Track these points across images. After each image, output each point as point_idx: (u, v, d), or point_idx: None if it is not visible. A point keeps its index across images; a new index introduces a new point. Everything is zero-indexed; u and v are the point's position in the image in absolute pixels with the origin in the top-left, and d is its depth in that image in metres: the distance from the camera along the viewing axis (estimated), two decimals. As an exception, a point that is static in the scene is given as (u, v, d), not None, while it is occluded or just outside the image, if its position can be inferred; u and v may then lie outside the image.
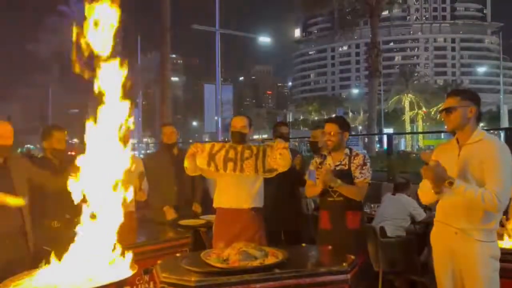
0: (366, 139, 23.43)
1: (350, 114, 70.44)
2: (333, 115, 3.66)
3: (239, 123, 3.37)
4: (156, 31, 14.21)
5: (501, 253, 2.47)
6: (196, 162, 3.12)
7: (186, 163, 3.16)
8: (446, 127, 2.53)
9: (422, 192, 2.63)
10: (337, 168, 3.22)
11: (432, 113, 50.85)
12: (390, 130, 42.48)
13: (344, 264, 2.40)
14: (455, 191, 2.32)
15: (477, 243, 2.38)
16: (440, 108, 2.50)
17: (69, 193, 2.15)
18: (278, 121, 4.39)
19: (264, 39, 26.24)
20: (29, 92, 50.15)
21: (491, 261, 2.39)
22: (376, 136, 22.54)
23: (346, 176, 3.16)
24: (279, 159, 3.07)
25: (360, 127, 60.95)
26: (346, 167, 3.21)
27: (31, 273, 2.18)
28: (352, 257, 2.53)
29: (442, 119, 2.57)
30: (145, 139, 44.78)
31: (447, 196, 2.47)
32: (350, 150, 3.30)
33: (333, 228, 3.18)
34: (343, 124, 3.28)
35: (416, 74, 64.74)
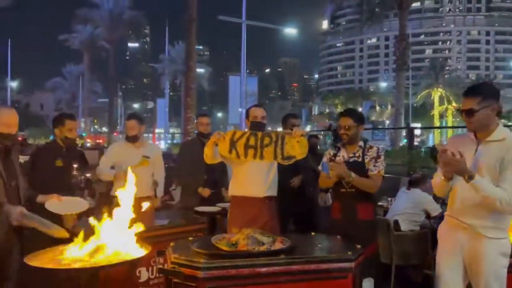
0: (393, 133, 23.12)
1: (378, 107, 69.31)
2: (347, 108, 3.68)
3: (260, 113, 3.46)
4: (183, 22, 14.32)
5: None
6: (217, 149, 3.20)
7: (207, 151, 3.23)
8: (467, 126, 2.42)
9: (434, 183, 2.59)
10: (351, 160, 3.26)
11: (463, 108, 49.19)
12: (418, 125, 41.56)
13: (349, 252, 2.46)
14: (473, 186, 2.26)
15: (486, 240, 2.36)
16: (461, 108, 2.39)
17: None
18: (288, 113, 4.41)
19: (290, 31, 26.10)
20: (61, 81, 51.76)
21: (499, 258, 2.37)
22: (403, 131, 22.19)
23: (359, 168, 3.19)
24: (297, 146, 3.14)
25: (387, 121, 59.87)
26: (360, 159, 3.24)
27: (54, 249, 2.35)
28: (358, 246, 2.58)
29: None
30: (171, 130, 45.49)
31: (458, 190, 2.44)
32: (365, 142, 3.33)
33: (344, 218, 3.23)
34: (358, 118, 3.31)
35: (447, 68, 62.90)
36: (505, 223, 2.42)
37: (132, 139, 4.26)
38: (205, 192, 4.51)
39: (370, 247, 3.11)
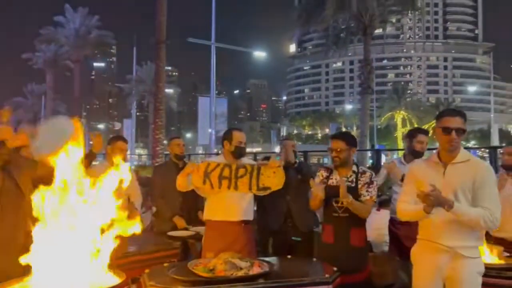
0: (358, 154, 23.65)
1: (344, 129, 71.05)
2: (339, 131, 3.64)
3: (244, 138, 3.46)
4: (151, 42, 14.25)
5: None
6: (191, 180, 3.20)
7: (180, 181, 3.23)
8: (447, 146, 2.45)
9: (407, 216, 2.59)
10: (345, 184, 3.11)
11: (424, 130, 51.38)
12: (382, 146, 42.81)
13: (326, 275, 2.48)
14: (454, 213, 2.32)
15: (466, 260, 2.41)
16: (450, 126, 2.43)
17: None
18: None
19: (260, 54, 26.59)
20: (22, 101, 50.06)
21: (477, 277, 2.43)
22: (369, 152, 22.73)
23: (353, 193, 3.08)
24: (273, 177, 3.14)
25: (353, 143, 61.28)
26: (353, 184, 3.15)
27: (21, 280, 2.24)
28: (335, 269, 2.60)
29: (434, 136, 2.54)
30: (137, 151, 44.64)
31: (435, 215, 2.43)
32: (357, 166, 3.24)
33: (336, 243, 3.12)
34: (350, 140, 3.22)
35: (409, 92, 65.64)
36: (481, 241, 2.52)
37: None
38: (180, 223, 4.34)
39: (362, 273, 3.09)
